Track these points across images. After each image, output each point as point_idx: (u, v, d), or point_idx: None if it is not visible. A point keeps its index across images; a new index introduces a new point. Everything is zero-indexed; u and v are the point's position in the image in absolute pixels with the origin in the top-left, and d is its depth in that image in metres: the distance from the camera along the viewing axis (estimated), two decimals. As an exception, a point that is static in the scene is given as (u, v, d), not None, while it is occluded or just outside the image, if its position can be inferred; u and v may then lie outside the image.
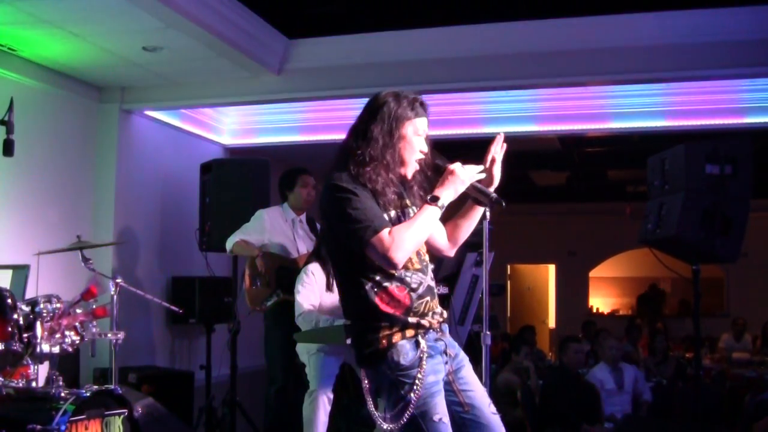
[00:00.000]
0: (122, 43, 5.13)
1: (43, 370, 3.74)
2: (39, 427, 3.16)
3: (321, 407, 4.29)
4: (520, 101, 6.47)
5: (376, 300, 2.46)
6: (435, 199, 2.49)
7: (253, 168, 5.93)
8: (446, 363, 2.53)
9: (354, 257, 2.47)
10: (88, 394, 3.43)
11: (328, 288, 4.40)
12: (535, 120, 6.67)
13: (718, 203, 4.23)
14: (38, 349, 3.56)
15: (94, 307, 3.91)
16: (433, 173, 2.59)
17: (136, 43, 5.10)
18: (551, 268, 15.36)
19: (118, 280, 4.24)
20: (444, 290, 4.24)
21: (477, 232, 3.76)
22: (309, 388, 4.39)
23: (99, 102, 6.13)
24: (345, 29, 5.68)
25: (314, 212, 5.24)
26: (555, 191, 11.93)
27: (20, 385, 3.57)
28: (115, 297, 4.15)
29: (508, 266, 15.10)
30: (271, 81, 5.92)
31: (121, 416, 3.56)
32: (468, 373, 2.61)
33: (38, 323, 3.58)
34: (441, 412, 2.43)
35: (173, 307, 4.76)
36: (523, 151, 9.34)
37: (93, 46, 5.12)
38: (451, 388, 2.55)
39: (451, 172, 2.54)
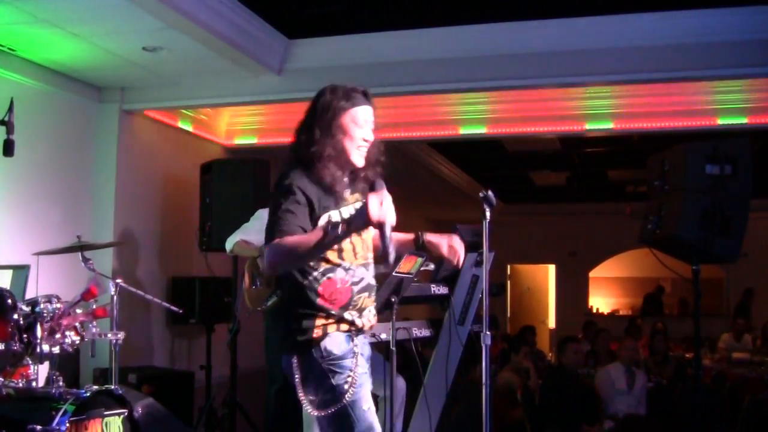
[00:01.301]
0: (122, 43, 5.13)
1: (43, 370, 3.74)
2: (39, 427, 3.16)
3: (321, 407, 4.28)
4: (520, 101, 6.47)
5: (319, 289, 2.48)
6: (336, 226, 2.32)
7: (253, 168, 5.93)
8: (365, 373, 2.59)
9: None
10: (88, 394, 3.42)
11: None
12: (536, 120, 6.67)
13: (718, 203, 4.22)
14: (38, 349, 3.56)
15: (94, 307, 3.91)
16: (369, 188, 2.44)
17: (136, 43, 5.10)
18: (551, 268, 15.37)
19: (118, 280, 4.24)
20: (444, 290, 4.24)
21: (477, 233, 3.76)
22: (309, 388, 4.38)
23: (99, 102, 6.13)
24: (345, 29, 5.68)
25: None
26: (555, 191, 11.93)
27: (20, 385, 3.57)
28: (115, 297, 4.15)
29: (508, 266, 15.11)
30: (271, 81, 5.92)
31: (121, 416, 3.56)
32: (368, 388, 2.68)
33: (38, 323, 3.57)
34: (369, 401, 2.49)
35: (173, 308, 4.75)
36: (523, 151, 9.36)
37: (93, 46, 5.12)
38: None
39: (366, 208, 2.31)
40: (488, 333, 3.29)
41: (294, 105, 6.57)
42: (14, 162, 3.89)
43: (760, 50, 5.05)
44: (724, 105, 6.12)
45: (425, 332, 4.25)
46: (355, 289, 2.53)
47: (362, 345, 2.55)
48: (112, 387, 3.75)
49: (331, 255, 2.50)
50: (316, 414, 2.47)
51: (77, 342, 3.77)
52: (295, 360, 2.49)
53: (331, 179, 2.52)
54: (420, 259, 3.71)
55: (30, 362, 3.63)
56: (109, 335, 4.02)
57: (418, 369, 4.01)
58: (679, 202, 4.28)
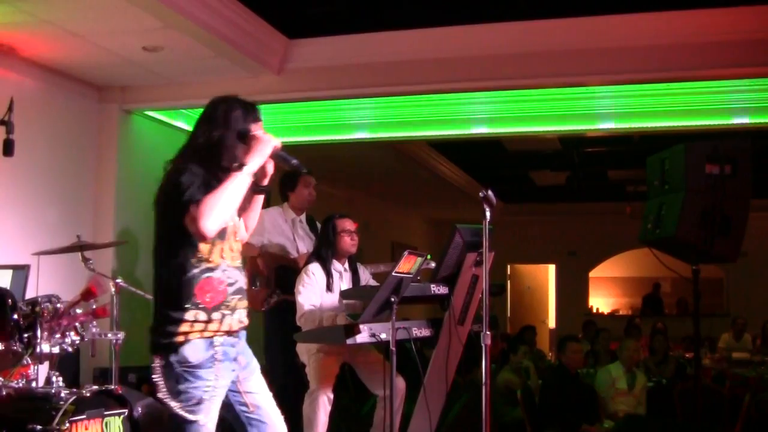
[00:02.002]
0: (122, 43, 5.13)
1: (43, 370, 3.74)
2: (39, 427, 3.16)
3: (321, 407, 4.29)
4: (520, 101, 6.47)
5: (196, 288, 2.51)
6: (241, 167, 2.52)
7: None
8: (234, 371, 2.61)
9: (184, 241, 2.51)
10: (88, 394, 3.43)
11: (329, 288, 4.40)
12: (536, 120, 6.67)
13: (718, 203, 4.22)
14: (38, 349, 3.56)
15: (94, 307, 3.91)
16: (240, 141, 2.62)
17: (136, 43, 5.10)
18: (551, 268, 15.37)
19: (118, 280, 4.23)
20: (444, 290, 4.24)
21: (477, 232, 3.76)
22: (309, 388, 4.38)
23: (99, 102, 6.13)
24: (345, 29, 5.68)
25: (314, 212, 5.25)
26: (555, 191, 11.94)
27: (20, 385, 3.57)
28: (115, 297, 4.15)
29: (508, 266, 15.11)
30: (271, 81, 5.92)
31: (121, 416, 3.56)
32: (256, 379, 2.72)
33: (38, 323, 3.57)
34: (208, 416, 2.52)
35: (173, 307, 4.74)
36: (523, 151, 9.36)
37: (93, 46, 5.12)
38: (237, 390, 2.64)
39: (256, 138, 2.60)
40: (488, 333, 3.29)
41: (294, 105, 6.59)
42: (14, 162, 3.90)
43: (759, 50, 5.05)
44: (724, 105, 6.13)
45: (425, 332, 4.25)
46: (230, 290, 2.59)
47: (227, 350, 2.58)
48: (112, 387, 3.75)
49: (214, 255, 2.56)
50: (168, 416, 2.54)
51: (77, 342, 3.77)
52: (157, 361, 2.55)
53: (229, 163, 2.58)
54: (420, 259, 3.71)
55: (30, 362, 3.63)
56: (109, 335, 4.02)
57: (418, 369, 4.01)
58: (679, 202, 4.28)
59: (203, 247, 2.53)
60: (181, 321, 2.50)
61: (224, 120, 2.67)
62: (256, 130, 2.66)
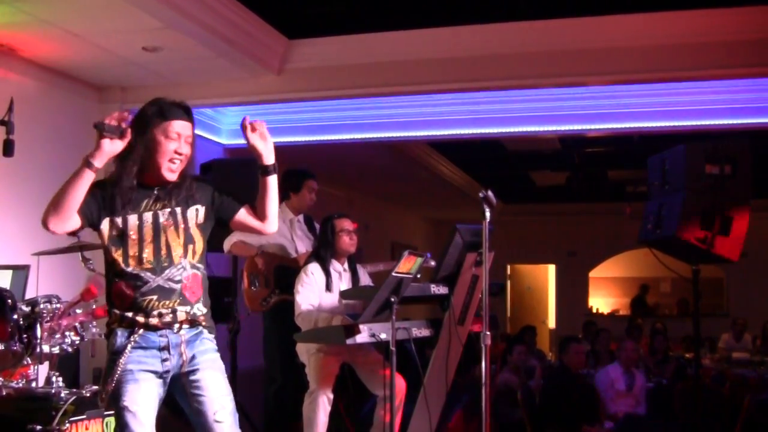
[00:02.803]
0: (122, 43, 5.13)
1: (43, 370, 3.74)
2: (39, 427, 3.16)
3: (321, 407, 4.29)
4: (520, 101, 6.48)
5: (113, 290, 2.69)
6: (86, 162, 2.64)
7: (253, 168, 5.88)
8: (166, 360, 2.67)
9: (104, 250, 2.75)
10: (88, 394, 3.43)
11: (328, 288, 4.40)
12: (536, 120, 6.67)
13: (718, 203, 4.22)
14: (38, 349, 3.56)
15: (94, 307, 3.91)
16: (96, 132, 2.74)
17: (136, 43, 5.10)
18: (551, 268, 15.37)
19: (118, 280, 4.22)
20: (444, 290, 4.24)
21: (477, 232, 3.76)
22: (309, 388, 4.39)
23: (99, 102, 6.12)
24: (345, 29, 5.68)
25: (314, 212, 5.25)
26: (555, 191, 11.93)
27: (20, 385, 3.58)
28: (115, 297, 4.14)
29: (508, 266, 15.11)
30: (271, 81, 5.92)
31: (121, 416, 3.55)
32: (205, 376, 2.72)
33: (38, 323, 3.58)
34: (129, 400, 2.60)
35: (173, 307, 4.74)
36: (523, 151, 9.36)
37: (93, 46, 5.12)
38: (183, 389, 2.71)
39: (98, 146, 2.69)
40: (488, 333, 3.29)
41: (294, 105, 6.59)
42: (14, 162, 3.89)
43: (759, 50, 5.05)
44: (724, 105, 6.13)
45: (425, 332, 4.25)
46: (137, 293, 2.66)
47: (148, 338, 2.66)
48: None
49: (120, 262, 2.68)
50: (101, 402, 2.70)
51: (77, 342, 3.77)
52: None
53: (127, 187, 2.69)
54: (420, 259, 3.71)
55: (30, 362, 3.63)
56: (109, 335, 4.01)
57: (418, 369, 4.01)
58: (679, 202, 4.28)
59: (107, 255, 2.73)
60: (109, 315, 2.72)
61: (137, 122, 2.77)
62: (165, 136, 2.71)
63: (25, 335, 3.52)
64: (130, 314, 2.66)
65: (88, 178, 2.62)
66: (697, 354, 4.81)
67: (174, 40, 5.02)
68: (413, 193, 11.75)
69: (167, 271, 2.70)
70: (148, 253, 2.69)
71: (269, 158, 2.83)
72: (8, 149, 3.46)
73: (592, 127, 6.69)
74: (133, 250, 2.69)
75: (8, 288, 3.91)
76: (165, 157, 2.69)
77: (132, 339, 2.64)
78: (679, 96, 6.12)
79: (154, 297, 2.67)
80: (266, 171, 2.83)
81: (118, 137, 2.65)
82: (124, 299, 2.67)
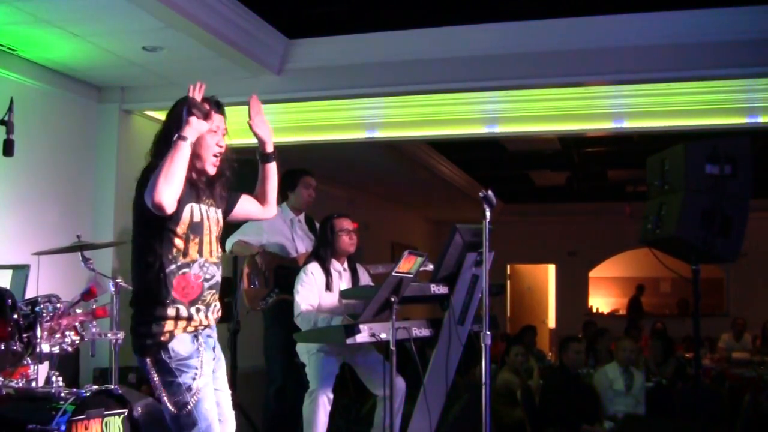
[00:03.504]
0: (122, 43, 5.13)
1: (43, 370, 3.74)
2: (39, 427, 3.16)
3: (321, 407, 4.29)
4: (520, 101, 6.47)
5: (173, 283, 2.61)
6: (180, 137, 2.62)
7: (253, 168, 5.91)
8: (214, 359, 2.77)
9: (160, 237, 2.65)
10: (88, 394, 3.43)
11: (328, 288, 4.40)
12: (536, 120, 6.67)
13: (718, 203, 4.22)
14: (38, 349, 3.56)
15: (94, 307, 3.91)
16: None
17: (136, 43, 5.10)
18: (551, 268, 15.37)
19: (118, 280, 4.23)
20: (444, 290, 4.24)
21: (477, 232, 3.76)
22: (309, 388, 4.39)
23: (99, 102, 6.13)
24: (345, 29, 5.68)
25: (314, 212, 5.25)
26: (555, 191, 11.93)
27: (20, 385, 3.57)
28: (115, 297, 4.14)
29: (508, 266, 15.11)
30: (271, 81, 5.92)
31: (121, 416, 3.56)
32: (222, 373, 2.84)
33: (38, 323, 3.57)
34: (212, 399, 2.67)
35: (173, 307, 4.74)
36: (523, 151, 9.36)
37: (93, 46, 5.12)
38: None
39: (188, 122, 2.67)
40: (488, 333, 3.29)
41: (294, 105, 6.59)
42: (14, 162, 3.89)
43: (760, 50, 5.05)
44: (724, 105, 6.12)
45: (425, 332, 4.25)
46: (206, 285, 2.68)
47: (206, 340, 2.72)
48: (112, 387, 3.75)
49: (191, 251, 2.66)
50: (167, 412, 2.65)
51: (77, 342, 3.77)
52: (148, 361, 2.66)
53: (191, 177, 2.71)
54: (420, 259, 3.71)
55: (30, 362, 3.63)
56: (109, 335, 4.02)
57: (418, 369, 4.01)
58: (679, 202, 4.28)
59: (178, 243, 2.63)
60: (164, 319, 2.61)
61: (173, 120, 2.77)
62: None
63: (25, 335, 3.52)
64: (191, 310, 2.64)
65: (187, 151, 2.61)
66: (697, 354, 4.81)
67: (174, 40, 5.02)
68: (413, 193, 11.75)
69: (220, 267, 2.78)
70: (214, 246, 2.74)
71: (271, 145, 2.97)
72: (8, 149, 3.46)
73: (592, 127, 6.69)
74: (206, 240, 2.70)
75: (8, 288, 3.90)
76: (209, 151, 2.77)
77: (200, 342, 2.65)
78: (679, 96, 6.12)
79: (214, 291, 2.72)
80: (268, 158, 2.97)
81: (203, 117, 2.69)
82: (190, 292, 2.63)
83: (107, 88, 6.12)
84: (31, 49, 5.16)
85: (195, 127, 2.66)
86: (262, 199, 2.97)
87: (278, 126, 7.22)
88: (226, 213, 2.92)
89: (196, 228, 2.66)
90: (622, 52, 5.31)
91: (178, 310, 2.62)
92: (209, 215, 2.76)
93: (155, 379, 2.65)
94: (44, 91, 5.55)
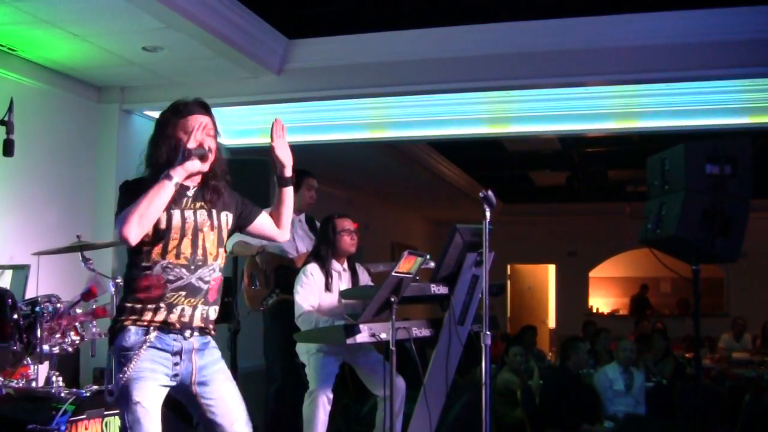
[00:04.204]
0: (122, 43, 5.13)
1: (43, 370, 3.74)
2: (39, 427, 3.16)
3: (321, 407, 4.29)
4: (520, 101, 6.47)
5: (139, 283, 2.67)
6: (167, 176, 2.64)
7: (253, 168, 5.92)
8: (177, 364, 2.69)
9: (140, 244, 2.68)
10: (88, 394, 3.43)
11: (327, 288, 4.40)
12: (536, 120, 6.66)
13: (718, 203, 4.22)
14: (38, 349, 3.56)
15: (94, 307, 3.91)
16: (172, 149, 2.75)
17: (136, 43, 5.10)
18: (551, 268, 15.37)
19: (118, 280, 4.23)
20: (444, 290, 4.24)
21: (477, 232, 3.76)
22: (309, 388, 4.39)
23: (99, 102, 6.13)
24: (345, 29, 5.68)
25: (314, 212, 5.24)
26: (555, 191, 11.94)
27: (20, 385, 3.58)
28: (115, 297, 4.15)
29: (508, 266, 15.11)
30: (271, 81, 5.92)
31: (121, 416, 3.55)
32: (219, 388, 2.79)
33: (38, 323, 3.58)
34: (143, 396, 2.61)
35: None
36: (523, 151, 9.37)
37: (93, 46, 5.12)
38: (194, 400, 2.76)
39: (180, 164, 2.69)
40: (488, 333, 3.29)
41: (294, 105, 6.59)
42: (14, 162, 3.89)
43: (760, 50, 5.05)
44: (724, 105, 6.12)
45: (425, 332, 4.25)
46: (169, 286, 2.68)
47: (164, 339, 2.68)
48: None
49: (153, 254, 2.69)
50: (108, 399, 2.75)
51: (77, 342, 3.77)
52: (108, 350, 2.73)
53: (157, 166, 2.72)
54: (420, 259, 3.71)
55: (30, 362, 3.63)
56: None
57: (418, 369, 4.01)
58: (679, 202, 4.27)
59: (145, 247, 2.68)
60: (125, 310, 2.67)
61: (157, 127, 2.80)
62: (185, 132, 2.74)
63: (25, 335, 3.52)
64: (151, 309, 2.66)
65: (170, 191, 2.65)
66: (697, 354, 4.81)
67: (174, 40, 5.02)
68: (413, 193, 11.75)
69: (200, 270, 2.74)
70: (185, 250, 2.72)
71: (290, 170, 2.92)
72: (8, 149, 3.46)
73: (592, 127, 6.68)
74: (172, 244, 2.71)
75: (8, 288, 3.91)
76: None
77: (147, 338, 2.64)
78: (679, 96, 6.12)
79: (183, 293, 2.70)
80: (286, 182, 2.92)
81: (199, 159, 2.72)
82: (152, 291, 2.66)
83: (107, 88, 6.12)
84: (31, 49, 5.15)
85: (188, 170, 2.70)
86: (276, 221, 2.99)
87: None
88: (243, 222, 2.95)
89: (161, 234, 2.68)
90: (622, 52, 5.31)
91: (133, 307, 2.66)
92: (195, 218, 2.76)
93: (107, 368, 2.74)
94: (44, 91, 5.55)
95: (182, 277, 2.70)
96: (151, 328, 2.66)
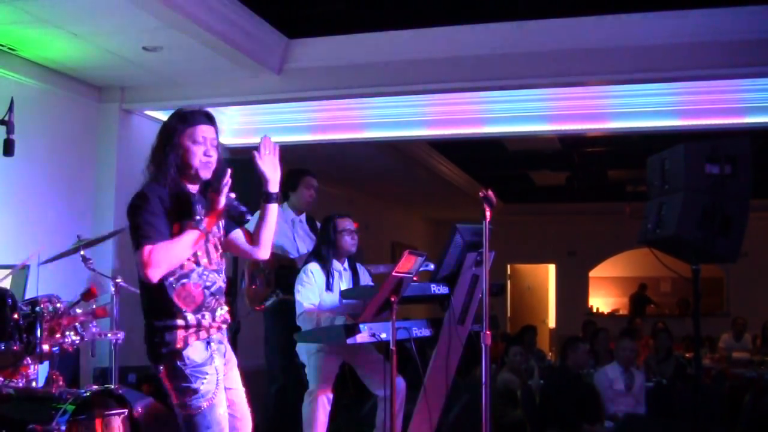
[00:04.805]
0: (122, 43, 5.13)
1: (43, 370, 3.74)
2: (39, 427, 3.16)
3: (321, 407, 4.29)
4: (521, 101, 6.47)
5: (173, 295, 2.67)
6: (198, 223, 2.68)
7: (253, 168, 5.92)
8: (225, 364, 2.82)
9: None
10: (88, 394, 3.42)
11: (328, 288, 4.40)
12: (536, 120, 6.67)
13: (718, 203, 4.22)
14: (38, 349, 3.56)
15: (94, 307, 3.90)
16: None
17: (136, 43, 5.11)
18: (551, 268, 15.37)
19: (118, 280, 4.23)
20: (444, 290, 4.24)
21: (477, 232, 3.76)
22: (309, 388, 4.39)
23: (99, 102, 6.13)
24: (345, 29, 5.68)
25: (315, 212, 5.24)
26: (555, 191, 11.93)
27: (20, 385, 3.57)
28: (115, 297, 4.14)
29: (508, 266, 15.10)
30: (271, 81, 5.92)
31: (121, 416, 3.56)
32: (234, 373, 2.90)
33: (38, 323, 3.57)
34: (224, 405, 2.73)
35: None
36: (523, 151, 9.36)
37: (93, 46, 5.12)
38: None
39: (214, 201, 2.72)
40: (488, 333, 3.29)
41: (294, 105, 6.59)
42: (14, 162, 3.89)
43: (760, 50, 5.05)
44: (724, 105, 6.12)
45: (425, 332, 4.25)
46: (207, 293, 2.74)
47: (218, 347, 2.78)
48: (112, 387, 3.75)
49: (187, 262, 2.71)
50: (180, 417, 2.71)
51: (77, 342, 3.77)
52: (162, 369, 2.71)
53: (180, 191, 2.76)
54: (420, 259, 3.71)
55: (30, 362, 3.62)
56: (109, 335, 4.02)
57: (418, 369, 4.01)
58: (679, 202, 4.27)
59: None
60: (175, 328, 2.67)
61: (163, 134, 2.80)
62: (192, 141, 2.75)
63: (25, 335, 3.52)
64: (197, 317, 2.70)
65: (197, 240, 2.68)
66: (697, 354, 4.80)
67: (174, 39, 5.02)
68: (413, 193, 11.75)
69: (222, 272, 2.83)
70: (211, 254, 2.79)
71: (275, 186, 2.91)
72: (8, 149, 3.46)
73: (592, 127, 6.69)
74: (202, 250, 2.75)
75: (8, 288, 3.90)
76: (197, 159, 2.78)
77: (212, 348, 2.71)
78: (679, 96, 6.12)
79: (218, 297, 2.78)
80: (269, 198, 2.92)
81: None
82: (192, 300, 2.69)
83: (107, 88, 6.12)
84: (31, 49, 5.16)
85: (215, 221, 2.74)
86: (255, 238, 2.97)
87: (278, 126, 7.23)
88: (226, 230, 2.96)
89: None
90: (622, 52, 5.31)
91: (186, 319, 2.68)
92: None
93: (169, 385, 2.71)
94: (44, 91, 5.55)
95: (216, 281, 2.78)
96: (210, 336, 2.72)
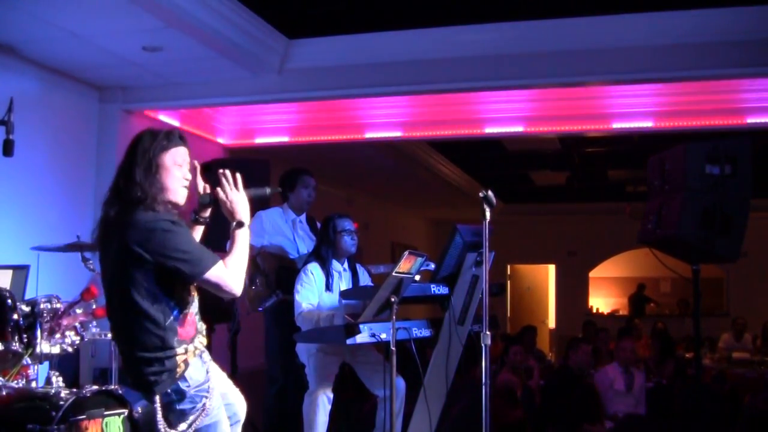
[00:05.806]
0: (122, 43, 5.13)
1: (43, 370, 3.74)
2: (39, 427, 3.15)
3: (321, 407, 4.29)
4: (521, 101, 6.48)
5: (179, 329, 2.64)
6: (240, 224, 2.73)
7: (253, 168, 5.91)
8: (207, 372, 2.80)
9: (159, 293, 2.60)
10: (88, 394, 3.42)
11: (328, 288, 4.40)
12: (536, 120, 6.67)
13: (718, 203, 4.22)
14: (38, 349, 3.56)
15: (94, 307, 3.91)
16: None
17: (136, 43, 5.10)
18: (551, 268, 15.37)
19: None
20: (444, 290, 4.24)
21: (477, 232, 3.76)
22: (309, 388, 4.39)
23: (99, 102, 6.13)
24: (345, 29, 5.68)
25: (314, 212, 5.24)
26: (555, 191, 11.94)
27: (20, 385, 3.57)
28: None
29: (508, 266, 15.11)
30: (271, 81, 5.92)
31: (121, 416, 3.55)
32: (213, 367, 2.84)
33: (38, 323, 3.57)
34: (225, 420, 2.76)
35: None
36: (523, 151, 9.37)
37: (93, 46, 5.12)
38: None
39: (233, 201, 2.80)
40: (488, 333, 3.29)
41: (294, 105, 6.59)
42: (14, 162, 3.89)
43: (759, 50, 5.05)
44: (724, 105, 6.13)
45: (425, 332, 4.25)
46: (197, 317, 2.77)
47: (208, 359, 2.78)
48: (112, 387, 3.74)
49: (191, 291, 2.74)
50: None
51: (77, 342, 3.77)
52: (157, 398, 2.65)
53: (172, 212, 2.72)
54: (420, 259, 3.71)
55: (30, 362, 3.63)
56: (109, 335, 4.01)
57: (418, 369, 4.01)
58: (679, 202, 4.27)
59: (178, 287, 2.66)
60: (175, 355, 2.63)
61: (136, 150, 2.72)
62: (174, 162, 2.74)
63: (25, 335, 3.52)
64: (196, 341, 2.72)
65: (248, 236, 2.77)
66: (697, 354, 4.80)
67: (174, 39, 5.02)
68: (413, 193, 11.75)
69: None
70: None
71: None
72: (8, 149, 3.46)
73: (592, 127, 6.69)
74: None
75: (8, 288, 3.90)
76: (178, 183, 2.74)
77: (207, 364, 2.71)
78: (679, 96, 6.12)
79: (198, 318, 2.79)
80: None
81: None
82: (192, 328, 2.71)
83: (107, 88, 6.12)
84: (31, 49, 5.16)
85: (240, 204, 2.80)
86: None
87: (278, 126, 7.23)
88: None
89: None
90: (622, 52, 5.31)
91: (185, 347, 2.68)
92: None
93: (167, 410, 2.66)
94: (44, 91, 5.55)
95: (196, 304, 2.78)
96: (203, 354, 2.73)
